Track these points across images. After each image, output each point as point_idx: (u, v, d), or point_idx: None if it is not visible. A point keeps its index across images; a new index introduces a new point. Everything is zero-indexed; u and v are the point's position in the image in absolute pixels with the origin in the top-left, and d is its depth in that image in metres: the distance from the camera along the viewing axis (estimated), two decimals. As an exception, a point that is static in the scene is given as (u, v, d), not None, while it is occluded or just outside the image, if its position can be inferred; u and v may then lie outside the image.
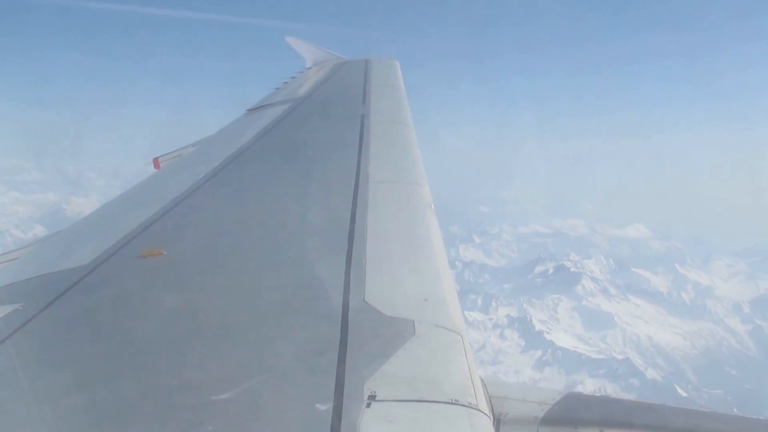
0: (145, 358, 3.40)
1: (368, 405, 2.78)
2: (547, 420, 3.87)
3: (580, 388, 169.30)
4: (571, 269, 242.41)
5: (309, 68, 15.52)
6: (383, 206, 5.57)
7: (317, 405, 2.78)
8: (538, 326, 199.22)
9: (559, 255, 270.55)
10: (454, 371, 3.15)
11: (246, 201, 6.30)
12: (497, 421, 3.85)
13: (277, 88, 13.49)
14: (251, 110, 11.32)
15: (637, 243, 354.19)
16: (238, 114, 11.41)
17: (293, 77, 14.68)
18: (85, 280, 4.48)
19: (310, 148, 8.03)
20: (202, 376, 3.15)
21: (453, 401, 2.87)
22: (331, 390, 2.88)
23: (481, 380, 3.38)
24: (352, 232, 4.88)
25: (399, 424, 2.70)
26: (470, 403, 2.88)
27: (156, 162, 8.96)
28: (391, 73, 13.10)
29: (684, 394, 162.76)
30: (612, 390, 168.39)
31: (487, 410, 3.00)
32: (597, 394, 4.63)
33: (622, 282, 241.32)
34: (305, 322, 3.66)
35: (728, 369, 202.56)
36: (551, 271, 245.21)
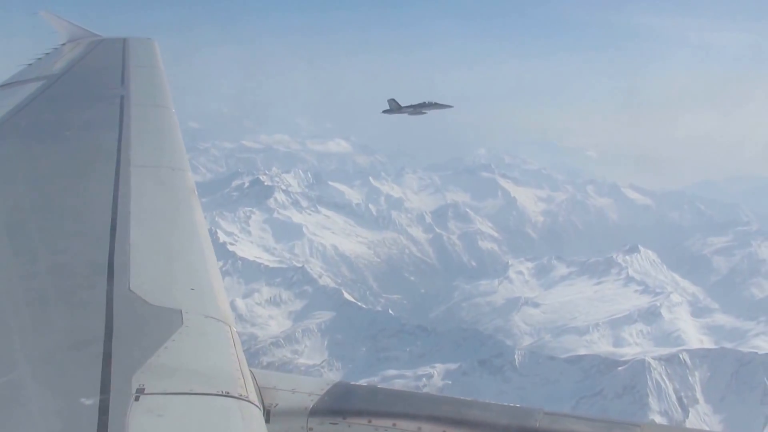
0: None
1: (137, 399, 2.72)
2: (316, 411, 3.92)
3: (256, 296, 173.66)
4: (266, 183, 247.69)
5: (64, 44, 14.87)
6: (146, 192, 5.40)
7: (83, 400, 2.67)
8: (222, 238, 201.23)
9: (263, 169, 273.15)
10: (224, 362, 3.15)
11: (0, 183, 5.79)
12: (267, 413, 3.87)
13: (29, 64, 12.79)
14: (2, 86, 10.74)
15: (342, 158, 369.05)
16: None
17: (47, 53, 14.04)
18: None
19: (68, 129, 7.57)
20: None
21: (223, 393, 2.87)
22: (97, 384, 2.77)
23: (251, 371, 3.44)
24: (114, 218, 4.70)
25: (169, 419, 2.64)
26: (241, 395, 2.90)
27: None
28: (149, 54, 12.92)
29: (351, 299, 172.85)
30: (286, 296, 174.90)
31: (257, 402, 3.05)
32: (365, 384, 4.60)
33: (315, 195, 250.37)
34: (68, 313, 3.47)
35: (407, 275, 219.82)
36: (247, 184, 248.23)
